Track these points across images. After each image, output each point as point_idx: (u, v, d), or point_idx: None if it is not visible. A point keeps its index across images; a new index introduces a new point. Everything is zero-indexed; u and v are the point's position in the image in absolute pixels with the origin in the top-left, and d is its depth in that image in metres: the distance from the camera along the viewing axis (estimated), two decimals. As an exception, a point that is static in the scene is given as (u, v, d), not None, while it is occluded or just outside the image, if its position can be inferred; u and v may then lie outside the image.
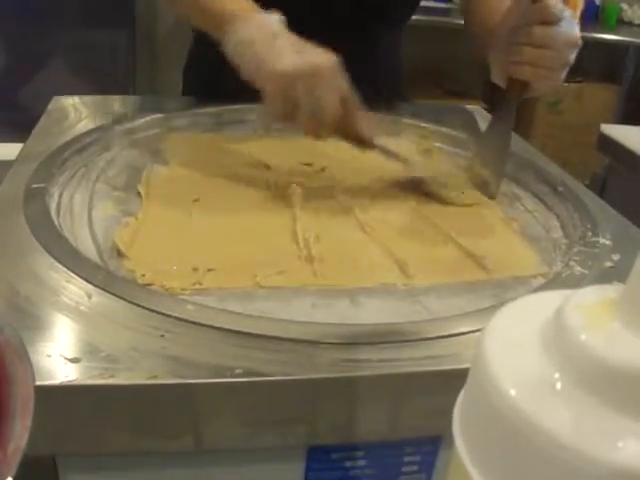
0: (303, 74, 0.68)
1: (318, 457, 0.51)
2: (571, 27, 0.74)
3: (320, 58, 0.70)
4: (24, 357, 0.21)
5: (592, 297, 0.25)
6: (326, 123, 0.71)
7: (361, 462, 0.53)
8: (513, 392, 0.23)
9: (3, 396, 0.21)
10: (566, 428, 0.22)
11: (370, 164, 0.82)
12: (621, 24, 2.91)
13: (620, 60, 2.92)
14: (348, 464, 0.53)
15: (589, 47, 2.67)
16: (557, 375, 0.23)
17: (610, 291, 0.25)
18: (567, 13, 0.74)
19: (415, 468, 0.54)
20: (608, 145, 1.40)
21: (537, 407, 0.22)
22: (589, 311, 0.24)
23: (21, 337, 0.20)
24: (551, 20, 0.73)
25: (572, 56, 0.76)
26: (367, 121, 0.75)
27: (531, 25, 0.74)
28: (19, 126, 1.03)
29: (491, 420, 0.23)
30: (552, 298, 0.25)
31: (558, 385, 0.23)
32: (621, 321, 0.23)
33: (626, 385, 0.22)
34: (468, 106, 1.13)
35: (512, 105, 0.80)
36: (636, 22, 2.91)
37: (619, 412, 0.22)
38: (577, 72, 2.71)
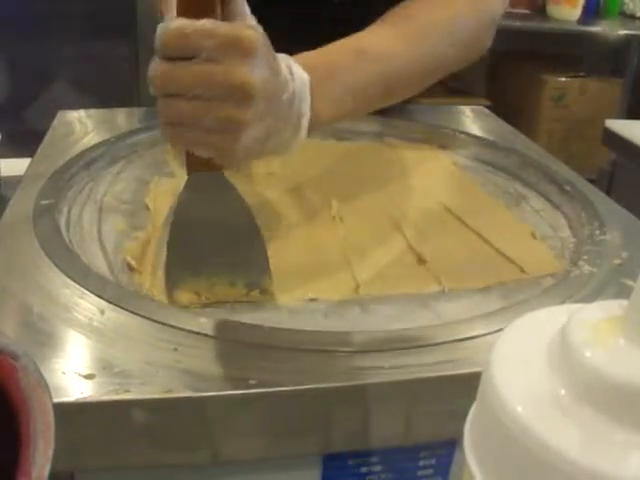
0: None
1: (334, 464, 0.52)
2: (230, 58, 0.45)
3: None
4: (43, 385, 0.21)
5: (597, 314, 0.25)
6: None
7: (377, 467, 0.53)
8: (520, 409, 0.23)
9: (24, 422, 0.21)
10: (573, 444, 0.22)
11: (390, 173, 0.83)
12: (623, 17, 2.89)
13: (623, 54, 2.90)
14: (364, 470, 0.53)
15: (591, 41, 2.68)
16: (563, 392, 0.23)
17: (614, 307, 0.25)
18: (225, 35, 0.45)
19: (430, 472, 0.54)
20: (613, 140, 1.40)
21: (544, 424, 0.23)
22: (594, 328, 0.24)
23: (38, 366, 0.21)
24: (168, 51, 0.46)
25: (245, 111, 0.46)
26: None
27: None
28: (24, 140, 1.04)
29: (500, 437, 0.24)
30: (558, 314, 0.25)
31: (564, 402, 0.23)
32: (625, 337, 0.24)
33: (631, 400, 0.22)
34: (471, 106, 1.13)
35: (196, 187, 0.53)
36: (638, 15, 2.89)
37: (625, 427, 0.22)
38: (580, 66, 2.71)
